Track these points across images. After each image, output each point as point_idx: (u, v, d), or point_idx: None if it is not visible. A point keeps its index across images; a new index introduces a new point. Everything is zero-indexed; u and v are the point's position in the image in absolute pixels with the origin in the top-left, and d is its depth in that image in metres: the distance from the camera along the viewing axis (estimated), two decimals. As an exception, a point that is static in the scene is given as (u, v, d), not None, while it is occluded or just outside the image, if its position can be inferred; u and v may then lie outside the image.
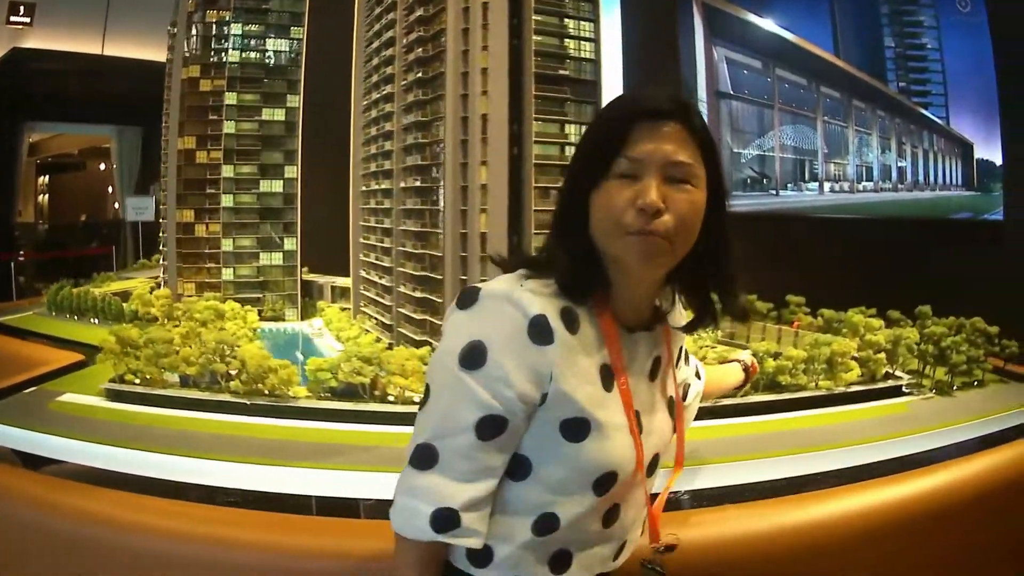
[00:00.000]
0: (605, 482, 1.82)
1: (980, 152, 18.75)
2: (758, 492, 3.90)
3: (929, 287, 18.52)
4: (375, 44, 16.38)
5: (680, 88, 2.01)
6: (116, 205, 18.50)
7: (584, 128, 1.93)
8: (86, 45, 16.44)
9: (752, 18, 19.76)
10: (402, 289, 15.42)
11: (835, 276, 20.12)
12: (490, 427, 1.74)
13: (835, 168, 23.17)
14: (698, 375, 2.65)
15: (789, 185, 23.66)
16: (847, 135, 22.51)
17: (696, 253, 1.87)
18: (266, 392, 11.31)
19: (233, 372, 11.49)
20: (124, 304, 15.07)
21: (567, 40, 16.34)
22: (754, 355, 3.36)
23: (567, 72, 16.02)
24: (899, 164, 21.80)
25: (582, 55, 16.72)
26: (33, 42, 15.93)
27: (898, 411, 14.79)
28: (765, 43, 20.64)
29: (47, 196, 20.12)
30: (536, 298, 1.76)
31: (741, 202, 24.28)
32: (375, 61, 16.49)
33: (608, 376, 1.85)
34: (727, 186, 1.95)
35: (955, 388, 15.15)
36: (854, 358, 15.50)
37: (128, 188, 18.13)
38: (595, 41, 17.00)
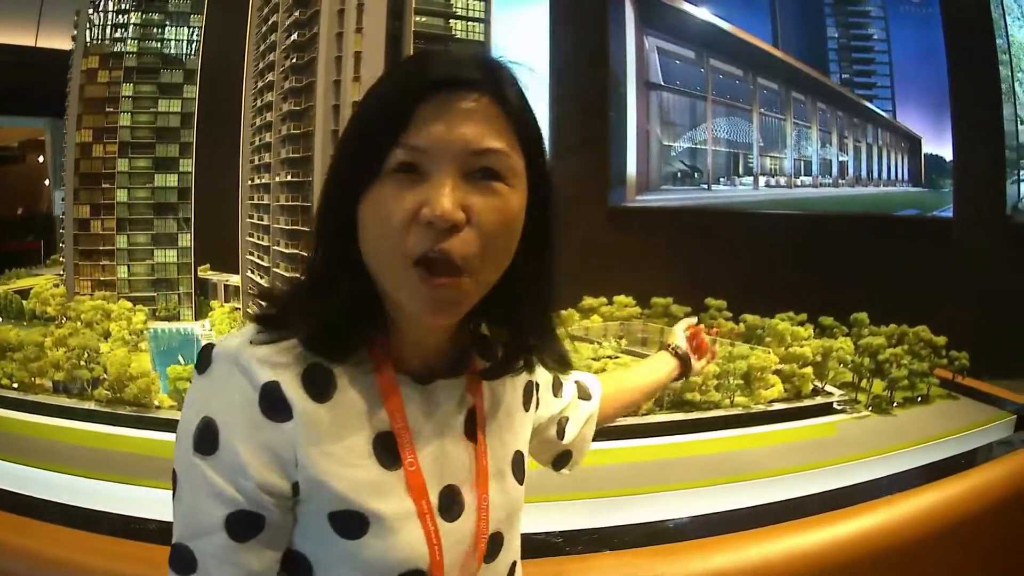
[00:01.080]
0: None
1: (929, 147, 16.72)
2: (655, 535, 2.94)
3: (871, 290, 17.02)
4: (263, 29, 15.71)
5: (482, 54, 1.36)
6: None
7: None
8: (20, 37, 16.04)
9: (686, 6, 17.70)
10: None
11: (766, 277, 18.48)
12: (243, 525, 1.31)
13: (771, 162, 21.16)
14: (587, 395, 2.01)
15: (722, 179, 21.62)
16: (785, 128, 20.45)
17: (510, 276, 1.38)
18: (129, 401, 10.85)
19: (100, 379, 11.14)
20: (24, 302, 14.96)
21: (453, 21, 15.59)
22: (701, 326, 2.30)
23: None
24: (840, 158, 19.81)
25: (470, 36, 15.95)
26: (-35, 34, 15.14)
27: (826, 433, 13.16)
28: (699, 32, 18.56)
29: (-15, 188, 19.87)
30: (269, 357, 1.32)
31: (670, 196, 22.62)
32: (262, 48, 15.84)
33: (389, 450, 1.38)
34: (553, 183, 1.43)
35: (895, 405, 13.22)
36: (777, 372, 13.86)
37: (59, 181, 17.54)
38: (485, 22, 16.07)
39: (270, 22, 14.80)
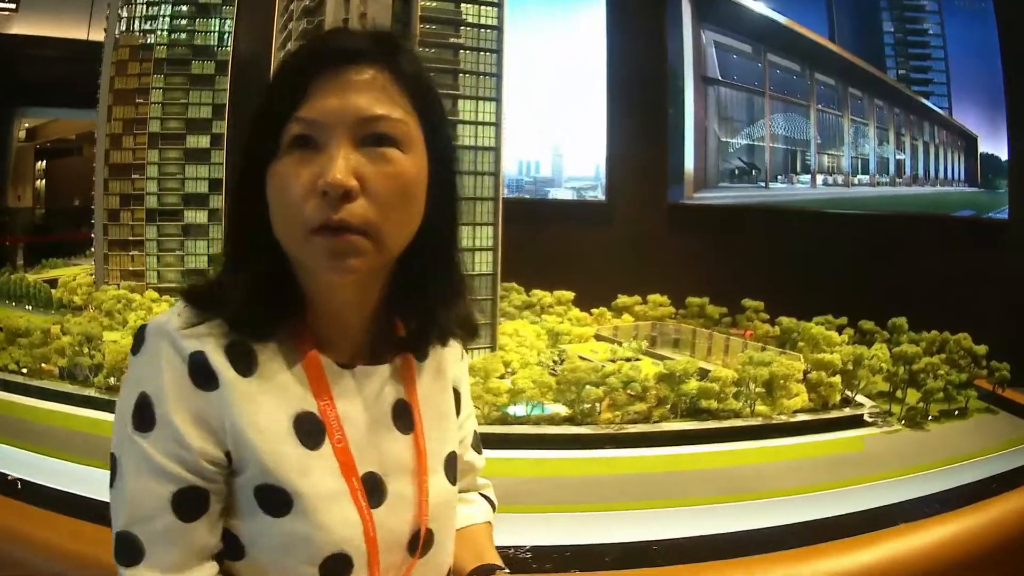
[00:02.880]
0: (337, 569, 1.37)
1: (984, 146, 16.68)
2: (661, 554, 2.92)
3: (922, 292, 16.91)
4: (283, 19, 15.19)
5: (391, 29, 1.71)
6: (106, 190, 18.43)
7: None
8: (72, 31, 15.88)
9: (743, 0, 17.74)
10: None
11: (819, 278, 18.46)
12: (189, 503, 1.34)
13: (829, 160, 21.13)
14: (489, 500, 1.91)
15: (779, 177, 21.66)
16: (842, 125, 20.43)
17: (415, 245, 1.41)
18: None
19: (100, 366, 11.08)
20: (53, 291, 14.77)
21: (464, 5, 15.38)
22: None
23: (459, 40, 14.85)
24: (898, 157, 19.72)
25: (484, 21, 15.80)
26: (19, 28, 15.54)
27: (852, 448, 12.91)
28: (756, 26, 18.64)
29: (44, 181, 19.64)
30: (194, 331, 1.35)
31: (728, 194, 22.73)
32: (281, 38, 15.36)
33: (312, 429, 1.39)
34: (455, 149, 1.48)
35: (930, 418, 13.05)
36: (804, 380, 13.72)
37: (112, 173, 17.50)
38: (498, 5, 15.75)
39: (289, 11, 14.85)
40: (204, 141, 15.54)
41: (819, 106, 18.41)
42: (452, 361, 1.72)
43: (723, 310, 15.67)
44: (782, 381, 11.83)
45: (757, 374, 12.55)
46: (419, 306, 1.53)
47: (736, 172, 19.06)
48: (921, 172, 17.46)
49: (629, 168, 24.01)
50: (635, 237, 26.84)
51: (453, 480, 1.62)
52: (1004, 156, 15.10)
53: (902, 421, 10.89)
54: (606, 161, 22.76)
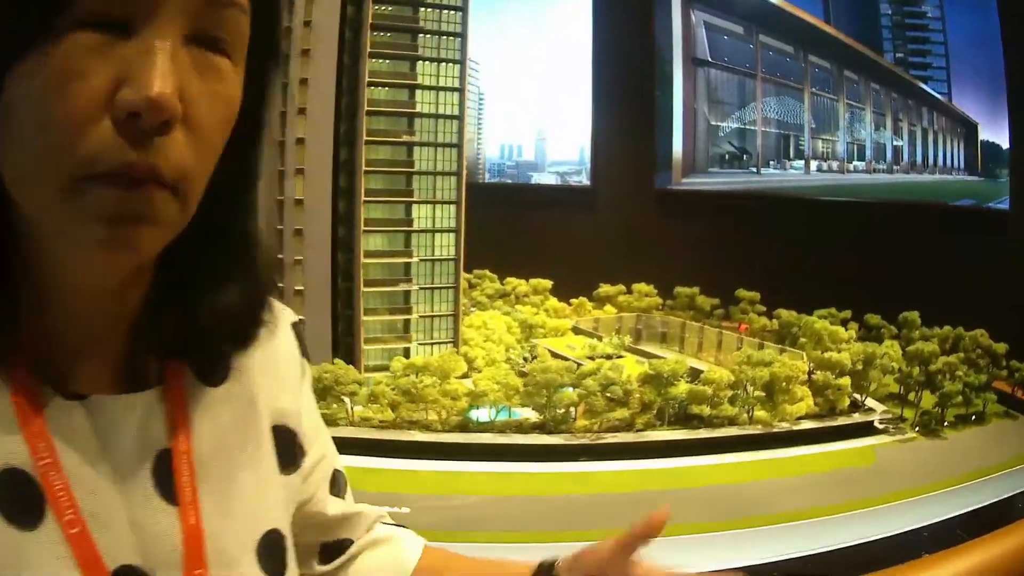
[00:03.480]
0: None
1: (985, 133, 16.11)
2: None
3: (923, 285, 16.47)
4: None
5: None
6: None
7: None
8: None
9: (734, -24, 16.92)
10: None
11: (813, 268, 17.97)
12: None
13: (823, 145, 20.59)
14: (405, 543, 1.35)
15: (772, 163, 21.09)
16: (837, 109, 19.84)
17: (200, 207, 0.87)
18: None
19: None
20: None
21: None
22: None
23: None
24: (895, 143, 19.16)
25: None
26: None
27: (862, 461, 12.43)
28: (748, 6, 17.93)
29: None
30: None
31: (717, 180, 22.19)
32: None
33: (23, 496, 0.83)
34: (279, 64, 0.93)
35: (946, 424, 12.52)
36: (808, 382, 13.00)
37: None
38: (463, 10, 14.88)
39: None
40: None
41: (813, 89, 17.75)
42: (275, 382, 1.14)
43: (715, 301, 15.10)
44: (784, 384, 11.05)
45: (756, 376, 11.78)
46: (199, 301, 0.97)
47: (727, 157, 18.42)
48: (919, 159, 16.96)
49: (615, 153, 23.28)
50: (621, 224, 26.23)
51: (278, 571, 1.05)
52: (1005, 144, 14.57)
53: (916, 428, 10.31)
54: (591, 145, 22.01)
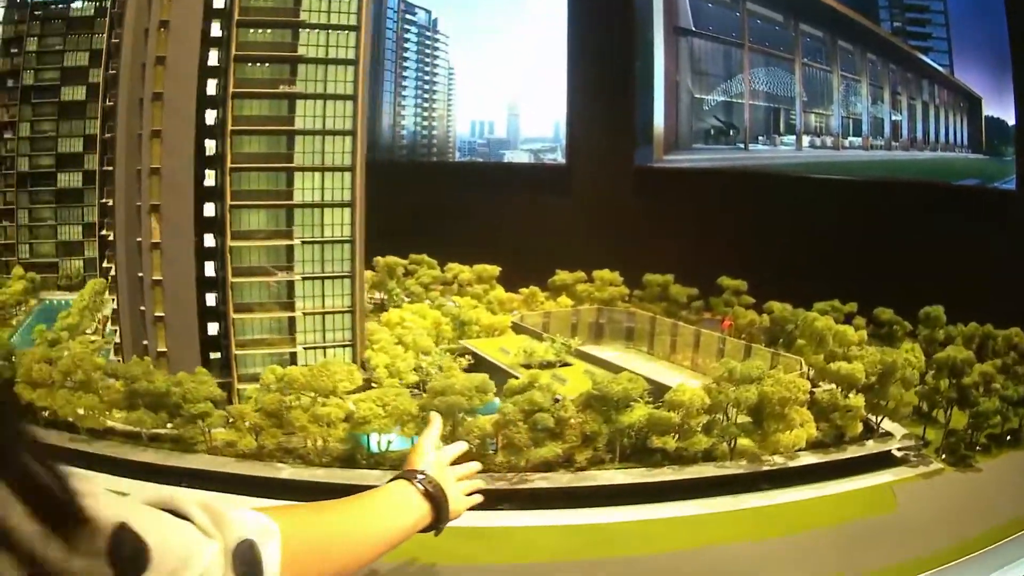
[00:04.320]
0: None
1: (990, 108, 15.21)
2: None
3: (929, 272, 15.60)
4: None
5: None
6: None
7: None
8: None
9: (720, -58, 15.89)
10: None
11: (807, 254, 17.08)
12: None
13: (816, 120, 19.66)
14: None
15: (760, 138, 20.16)
16: (831, 81, 18.89)
17: None
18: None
19: None
20: None
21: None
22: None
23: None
24: (893, 117, 18.21)
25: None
26: None
27: (880, 508, 11.42)
28: (735, -29, 16.82)
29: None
30: None
31: (702, 156, 21.20)
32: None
33: None
34: None
35: (977, 448, 11.59)
36: (810, 404, 11.93)
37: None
38: None
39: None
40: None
41: (805, 60, 16.71)
42: None
43: (692, 291, 14.08)
44: (778, 407, 9.73)
45: (741, 397, 10.28)
46: None
47: (712, 132, 17.45)
48: (920, 135, 16.06)
49: (592, 128, 22.21)
50: (597, 205, 25.17)
51: None
52: (1011, 120, 13.63)
53: (942, 455, 9.22)
54: (567, 121, 20.94)
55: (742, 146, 19.82)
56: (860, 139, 19.67)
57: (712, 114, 20.53)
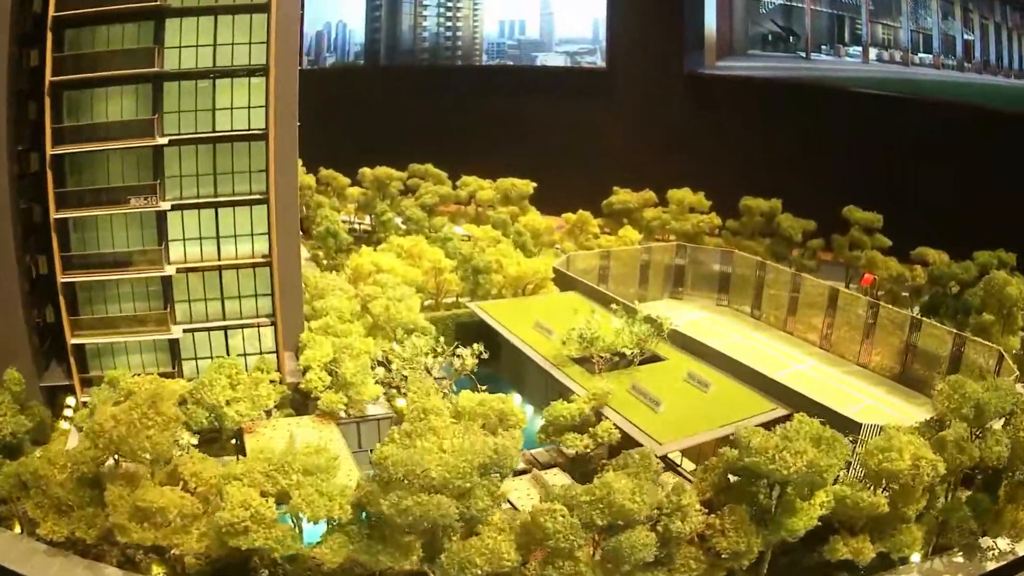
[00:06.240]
0: None
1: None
2: None
3: (1002, 207, 15.24)
4: None
5: None
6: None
7: None
8: None
9: None
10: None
11: (876, 178, 16.76)
12: None
13: (884, 31, 19.30)
14: None
15: (823, 47, 19.87)
16: (900, -14, 18.31)
17: None
18: None
19: None
20: None
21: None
22: None
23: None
24: (965, 36, 17.90)
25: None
26: None
27: None
28: None
29: None
30: None
31: (758, 64, 20.76)
32: None
33: None
34: None
35: None
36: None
37: None
38: None
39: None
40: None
41: (871, -39, 16.08)
42: None
43: (808, 225, 13.48)
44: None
45: (989, 456, 8.79)
46: None
47: (770, 38, 16.81)
48: (992, 59, 15.70)
49: (636, 29, 21.49)
50: (641, 114, 24.49)
51: None
52: None
53: None
54: (607, 20, 20.23)
55: (803, 54, 19.01)
56: (931, 56, 19.08)
57: (770, 17, 19.80)
